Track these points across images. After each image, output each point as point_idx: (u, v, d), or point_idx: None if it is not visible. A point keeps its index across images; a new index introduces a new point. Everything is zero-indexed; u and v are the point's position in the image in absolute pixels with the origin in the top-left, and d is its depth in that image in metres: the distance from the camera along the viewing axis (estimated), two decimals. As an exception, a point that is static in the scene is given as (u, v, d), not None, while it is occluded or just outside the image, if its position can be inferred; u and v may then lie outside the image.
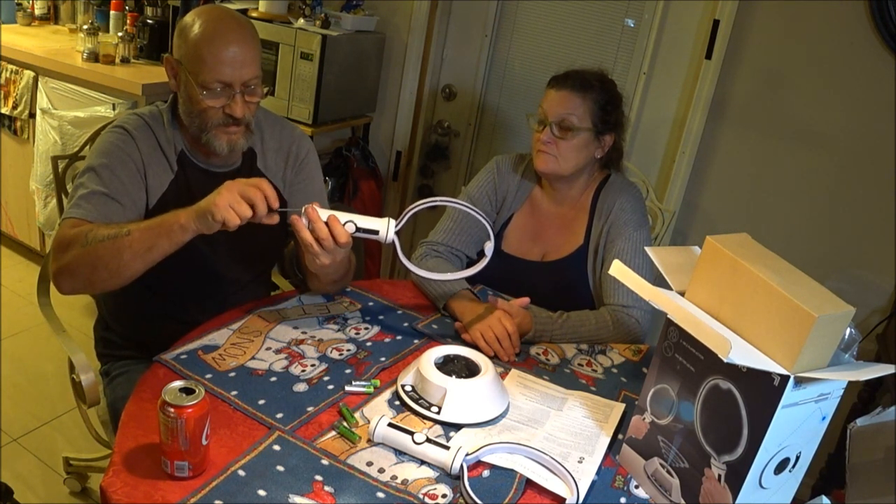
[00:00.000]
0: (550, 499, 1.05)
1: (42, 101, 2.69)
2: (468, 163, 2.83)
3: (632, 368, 1.45)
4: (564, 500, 1.04)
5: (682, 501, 1.03)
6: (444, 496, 1.02)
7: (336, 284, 1.52)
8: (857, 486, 1.03)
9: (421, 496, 1.02)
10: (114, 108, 2.52)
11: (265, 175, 1.53)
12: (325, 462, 1.06)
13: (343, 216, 1.26)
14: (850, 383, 0.92)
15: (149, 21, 2.87)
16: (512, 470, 1.08)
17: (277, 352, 1.31)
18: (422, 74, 2.74)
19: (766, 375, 0.89)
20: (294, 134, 1.60)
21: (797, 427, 0.93)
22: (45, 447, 2.13)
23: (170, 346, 1.29)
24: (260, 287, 1.67)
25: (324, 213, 1.25)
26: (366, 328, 1.44)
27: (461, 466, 1.05)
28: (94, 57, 2.69)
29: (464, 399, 1.18)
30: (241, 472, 1.01)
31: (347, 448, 1.10)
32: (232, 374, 1.23)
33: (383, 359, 1.34)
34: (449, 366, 1.26)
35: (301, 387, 1.22)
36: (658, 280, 1.11)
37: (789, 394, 0.88)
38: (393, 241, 1.28)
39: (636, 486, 1.11)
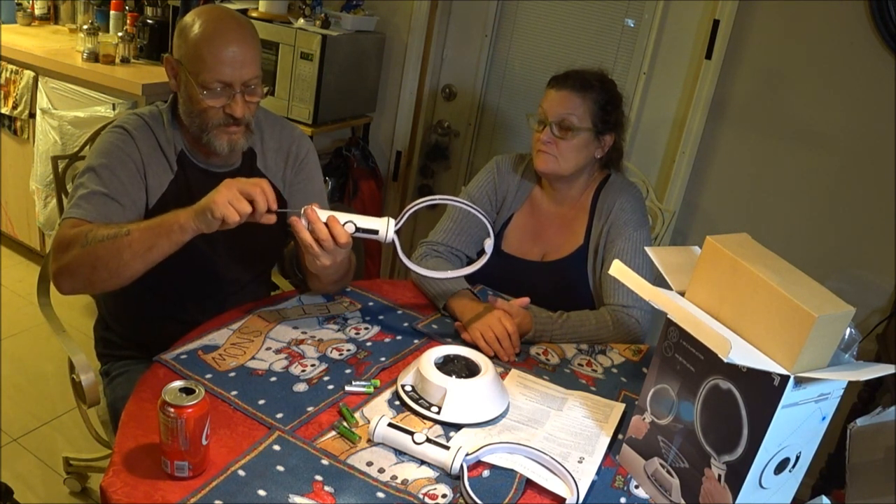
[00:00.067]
0: (550, 499, 1.05)
1: (42, 101, 2.69)
2: (468, 163, 2.83)
3: (632, 368, 1.45)
4: (564, 500, 1.04)
5: (682, 501, 1.03)
6: (444, 496, 1.02)
7: (336, 284, 1.52)
8: (857, 486, 1.03)
9: (421, 496, 1.02)
10: (114, 108, 2.52)
11: (265, 175, 1.53)
12: (325, 462, 1.06)
13: (342, 216, 1.26)
14: (850, 383, 0.92)
15: (149, 21, 2.87)
16: (512, 470, 1.08)
17: (277, 352, 1.31)
18: (422, 74, 2.74)
19: (766, 375, 0.89)
20: (294, 134, 1.60)
21: (797, 427, 0.93)
22: (45, 447, 2.13)
23: (170, 346, 1.29)
24: (260, 287, 1.67)
25: (323, 214, 1.25)
26: (366, 328, 1.44)
27: (461, 466, 1.05)
28: (94, 57, 2.69)
29: (464, 399, 1.18)
30: (241, 472, 1.01)
31: (347, 448, 1.10)
32: (232, 374, 1.23)
33: (383, 359, 1.34)
34: (449, 366, 1.26)
35: (301, 387, 1.22)
36: (658, 280, 1.11)
37: (789, 394, 0.88)
38: (393, 241, 1.28)
39: (636, 486, 1.11)
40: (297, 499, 0.98)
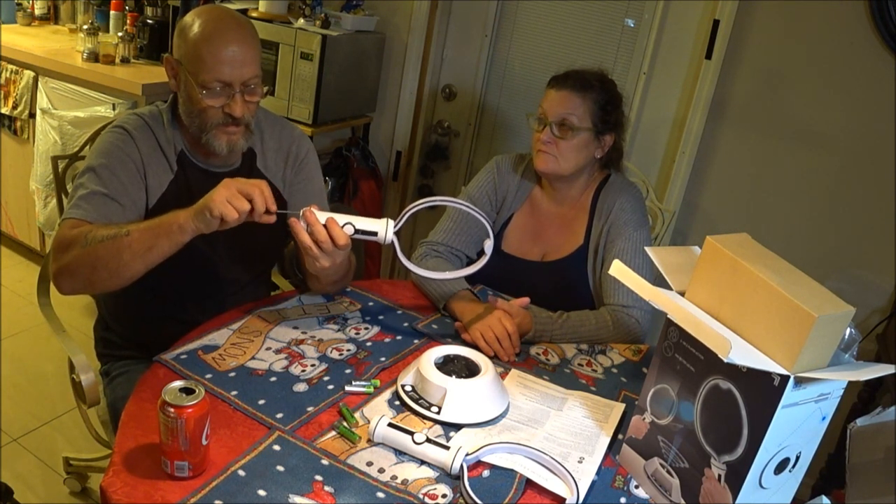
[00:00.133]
0: (550, 499, 1.05)
1: (42, 101, 2.69)
2: (468, 163, 2.83)
3: (632, 368, 1.45)
4: (564, 500, 1.04)
5: (682, 501, 1.03)
6: (444, 496, 1.02)
7: (336, 285, 1.52)
8: (857, 486, 1.03)
9: (421, 496, 1.02)
10: (114, 108, 2.52)
11: (265, 175, 1.53)
12: (325, 462, 1.06)
13: (341, 218, 1.26)
14: (850, 383, 0.92)
15: (149, 21, 2.87)
16: (512, 470, 1.08)
17: (277, 352, 1.31)
18: (422, 74, 2.74)
19: (766, 375, 0.89)
20: (294, 134, 1.60)
21: (797, 427, 0.93)
22: (45, 447, 2.13)
23: (170, 346, 1.29)
24: (260, 287, 1.67)
25: (322, 216, 1.25)
26: (366, 328, 1.44)
27: (461, 466, 1.05)
28: (94, 57, 2.69)
29: (464, 399, 1.18)
30: (241, 472, 1.01)
31: (347, 448, 1.10)
32: (232, 374, 1.23)
33: (383, 359, 1.34)
34: (449, 366, 1.26)
35: (301, 387, 1.22)
36: (658, 280, 1.11)
37: (789, 394, 0.88)
38: (392, 242, 1.28)
39: (636, 486, 1.11)
40: (297, 499, 0.98)
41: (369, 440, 1.11)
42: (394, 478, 1.05)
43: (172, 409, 0.94)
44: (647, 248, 1.19)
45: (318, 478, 1.02)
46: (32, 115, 2.76)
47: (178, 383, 0.98)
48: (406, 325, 1.48)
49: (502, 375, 1.33)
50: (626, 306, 1.54)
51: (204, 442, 0.98)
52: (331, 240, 1.24)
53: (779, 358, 0.90)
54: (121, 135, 1.41)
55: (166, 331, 1.37)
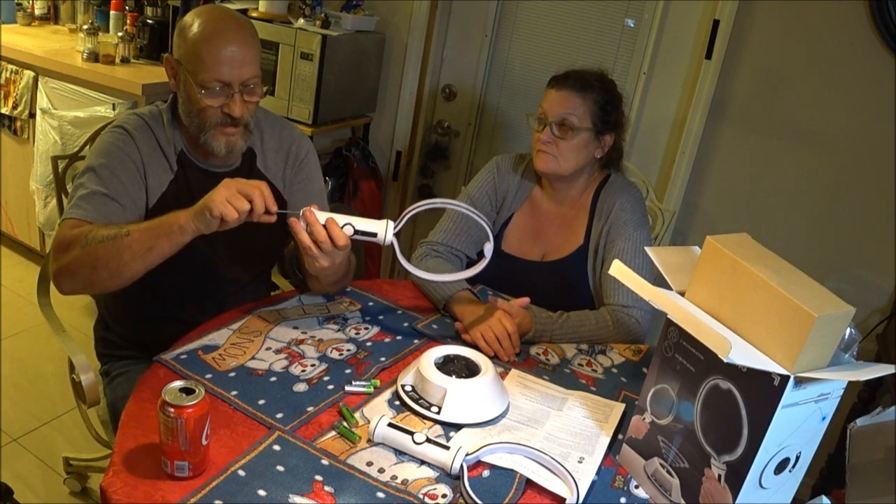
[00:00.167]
0: (550, 499, 1.05)
1: (42, 101, 2.69)
2: (468, 163, 2.83)
3: (632, 368, 1.45)
4: (564, 500, 1.04)
5: (682, 501, 1.03)
6: (444, 496, 1.02)
7: (336, 285, 1.52)
8: (857, 486, 1.03)
9: (421, 496, 1.02)
10: (114, 108, 2.52)
11: (265, 175, 1.53)
12: (325, 462, 1.06)
13: (341, 219, 1.26)
14: (850, 383, 0.92)
15: (149, 21, 2.87)
16: (512, 470, 1.08)
17: (277, 352, 1.31)
18: (422, 74, 2.74)
19: (766, 375, 0.89)
20: (294, 134, 1.60)
21: (797, 427, 0.93)
22: (45, 447, 2.13)
23: (170, 346, 1.29)
24: (260, 287, 1.67)
25: (322, 216, 1.25)
26: (366, 328, 1.44)
27: (461, 466, 1.05)
28: (94, 57, 2.69)
29: (464, 399, 1.18)
30: (241, 472, 1.01)
31: (347, 448, 1.10)
32: (232, 374, 1.23)
33: (383, 359, 1.34)
34: (449, 366, 1.26)
35: (301, 387, 1.22)
36: (658, 280, 1.11)
37: (789, 394, 0.88)
38: (392, 243, 1.28)
39: (636, 486, 1.11)
40: (297, 499, 0.98)
41: (369, 440, 1.11)
42: (394, 478, 1.05)
43: (172, 409, 0.94)
44: (647, 248, 1.19)
45: (318, 478, 1.02)
46: (32, 115, 2.76)
47: (178, 383, 0.98)
48: (406, 325, 1.48)
49: (502, 375, 1.33)
50: (626, 306, 1.54)
51: (204, 442, 0.98)
52: (330, 240, 1.24)
53: (779, 358, 0.90)
54: (121, 135, 1.41)
55: (166, 331, 1.37)
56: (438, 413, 1.18)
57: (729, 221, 2.32)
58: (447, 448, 1.08)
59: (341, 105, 2.62)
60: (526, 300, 1.49)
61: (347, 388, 1.23)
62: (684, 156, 2.32)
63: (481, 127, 2.78)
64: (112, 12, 2.97)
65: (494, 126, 2.75)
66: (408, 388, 1.23)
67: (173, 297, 1.51)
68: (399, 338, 1.43)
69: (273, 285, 1.80)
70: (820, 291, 0.93)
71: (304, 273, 1.48)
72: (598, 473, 1.11)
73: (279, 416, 1.14)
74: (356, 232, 1.27)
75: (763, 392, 0.90)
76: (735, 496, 0.95)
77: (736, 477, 0.94)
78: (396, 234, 1.28)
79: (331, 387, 1.23)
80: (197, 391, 0.97)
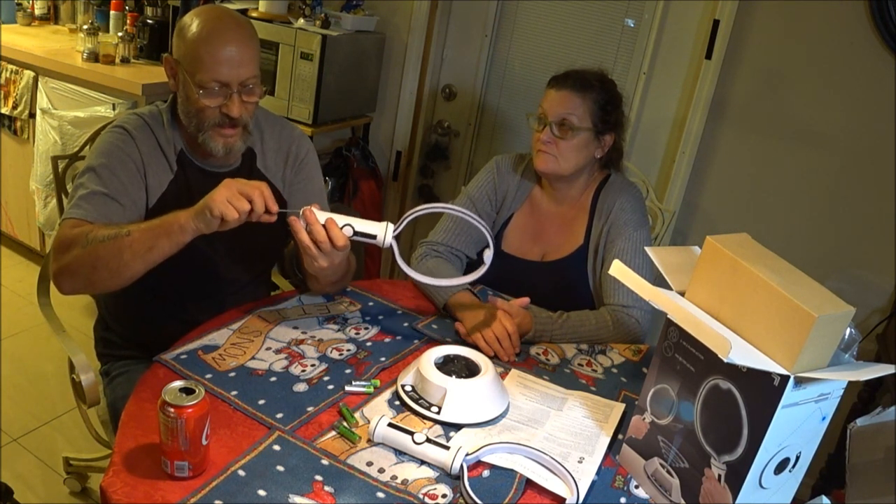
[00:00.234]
0: (550, 499, 1.05)
1: (42, 101, 2.69)
2: (468, 163, 2.83)
3: (632, 368, 1.45)
4: (564, 500, 1.04)
5: (682, 501, 1.03)
6: (444, 496, 1.02)
7: (335, 286, 1.52)
8: (857, 486, 1.03)
9: (421, 496, 1.02)
10: (114, 108, 2.53)
11: (265, 175, 1.53)
12: (325, 462, 1.06)
13: (341, 219, 1.26)
14: (850, 383, 0.92)
15: (149, 21, 2.87)
16: (512, 470, 1.08)
17: (277, 352, 1.31)
18: (422, 74, 2.74)
19: (766, 375, 0.89)
20: (294, 134, 1.60)
21: (797, 427, 0.93)
22: (45, 447, 2.13)
23: (170, 346, 1.29)
24: (260, 287, 1.67)
25: (322, 216, 1.25)
26: (366, 328, 1.44)
27: (461, 466, 1.05)
28: (94, 57, 2.69)
29: (464, 399, 1.18)
30: (241, 472, 1.01)
31: (347, 448, 1.10)
32: (232, 374, 1.23)
33: (383, 359, 1.34)
34: (449, 366, 1.26)
35: (301, 387, 1.22)
36: (658, 280, 1.11)
37: (789, 394, 0.88)
38: (391, 246, 1.28)
39: (636, 486, 1.11)
40: (297, 499, 0.98)
41: (369, 440, 1.11)
42: (394, 478, 1.05)
43: (172, 409, 0.94)
44: (647, 248, 1.19)
45: (318, 478, 1.02)
46: (32, 115, 2.76)
47: (178, 383, 0.98)
48: (406, 325, 1.48)
49: (502, 375, 1.33)
50: (626, 306, 1.54)
51: (204, 442, 0.98)
52: (329, 240, 1.24)
53: (779, 358, 0.90)
54: (121, 135, 1.41)
55: (166, 331, 1.37)
56: (438, 413, 1.18)
57: (729, 221, 2.32)
58: (447, 448, 1.08)
59: (341, 105, 2.62)
60: (526, 300, 1.49)
61: (347, 388, 1.23)
62: (684, 156, 2.32)
63: (481, 127, 2.78)
64: (112, 12, 2.97)
65: (494, 126, 2.75)
66: (408, 388, 1.23)
67: (173, 297, 1.51)
68: (399, 338, 1.43)
69: (273, 285, 1.80)
70: (820, 291, 0.93)
71: (304, 273, 1.48)
72: (598, 473, 1.11)
73: (279, 416, 1.14)
74: (355, 233, 1.27)
75: (763, 392, 0.90)
76: (735, 496, 0.95)
77: (736, 477, 0.94)
78: (396, 237, 1.28)
79: (331, 387, 1.23)
80: (197, 391, 0.97)
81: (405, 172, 2.88)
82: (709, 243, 1.02)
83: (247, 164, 1.52)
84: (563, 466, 1.08)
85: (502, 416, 1.22)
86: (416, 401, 1.20)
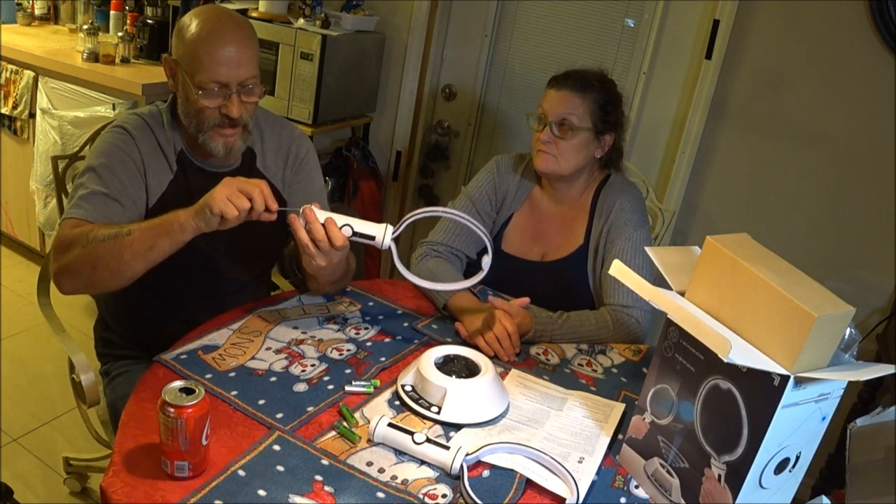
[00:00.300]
0: (550, 499, 1.05)
1: (42, 101, 2.69)
2: (468, 163, 2.83)
3: (632, 368, 1.45)
4: (564, 500, 1.04)
5: (682, 501, 1.03)
6: (444, 496, 1.02)
7: (334, 285, 1.52)
8: (857, 486, 1.03)
9: (421, 496, 1.02)
10: (114, 108, 2.53)
11: (264, 175, 1.53)
12: (325, 462, 1.06)
13: (341, 219, 1.26)
14: (850, 383, 0.92)
15: (149, 21, 2.87)
16: (512, 470, 1.08)
17: (277, 352, 1.31)
18: (422, 74, 2.74)
19: (766, 375, 0.89)
20: (294, 134, 1.60)
21: (797, 427, 0.93)
22: (45, 447, 2.13)
23: (170, 346, 1.29)
24: (260, 287, 1.67)
25: (322, 215, 1.25)
26: (366, 328, 1.44)
27: (461, 466, 1.05)
28: (94, 57, 2.69)
29: (464, 399, 1.18)
30: (241, 472, 1.01)
31: (347, 448, 1.10)
32: (232, 374, 1.23)
33: (383, 359, 1.34)
34: (449, 366, 1.26)
35: (301, 387, 1.22)
36: (658, 280, 1.11)
37: (789, 394, 0.88)
38: (390, 248, 1.28)
39: (636, 486, 1.11)
40: (297, 499, 0.98)
41: (369, 440, 1.11)
42: (394, 478, 1.05)
43: (172, 409, 0.94)
44: (647, 248, 1.19)
45: (318, 478, 1.02)
46: (32, 115, 2.76)
47: (178, 383, 0.98)
48: (406, 325, 1.48)
49: (502, 375, 1.33)
50: (626, 306, 1.54)
51: (204, 442, 0.98)
52: (328, 240, 1.24)
53: (779, 358, 0.90)
54: (121, 134, 1.41)
55: (166, 331, 1.37)
56: (438, 413, 1.18)
57: (729, 221, 2.32)
58: (447, 448, 1.08)
59: (341, 105, 2.62)
60: (526, 300, 1.49)
61: (347, 388, 1.23)
62: (684, 156, 2.32)
63: (481, 127, 2.78)
64: (112, 12, 2.97)
65: (494, 126, 2.75)
66: (408, 388, 1.23)
67: (173, 297, 1.51)
68: (399, 338, 1.43)
69: (273, 285, 1.80)
70: (820, 291, 0.93)
71: (303, 273, 1.48)
72: (598, 473, 1.11)
73: (279, 416, 1.14)
74: (355, 234, 1.27)
75: (763, 392, 0.90)
76: (735, 496, 0.95)
77: (736, 477, 0.94)
78: (395, 239, 1.28)
79: (331, 387, 1.23)
80: (197, 391, 0.97)
81: (405, 172, 2.88)
82: (709, 243, 1.02)
83: (246, 163, 1.52)
84: (563, 466, 1.08)
85: (502, 416, 1.22)
86: (416, 401, 1.20)
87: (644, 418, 1.10)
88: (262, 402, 1.17)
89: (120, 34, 2.81)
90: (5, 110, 2.83)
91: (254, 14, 2.57)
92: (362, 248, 2.76)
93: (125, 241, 1.23)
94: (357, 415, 1.17)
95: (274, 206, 1.22)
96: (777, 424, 0.89)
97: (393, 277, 2.95)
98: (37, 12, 3.24)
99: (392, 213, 2.94)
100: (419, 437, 1.08)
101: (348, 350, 1.35)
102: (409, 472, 1.06)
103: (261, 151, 1.54)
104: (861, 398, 1.98)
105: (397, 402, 1.22)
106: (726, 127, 2.27)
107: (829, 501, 0.94)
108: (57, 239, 1.30)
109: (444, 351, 1.29)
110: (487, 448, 1.10)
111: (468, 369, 1.25)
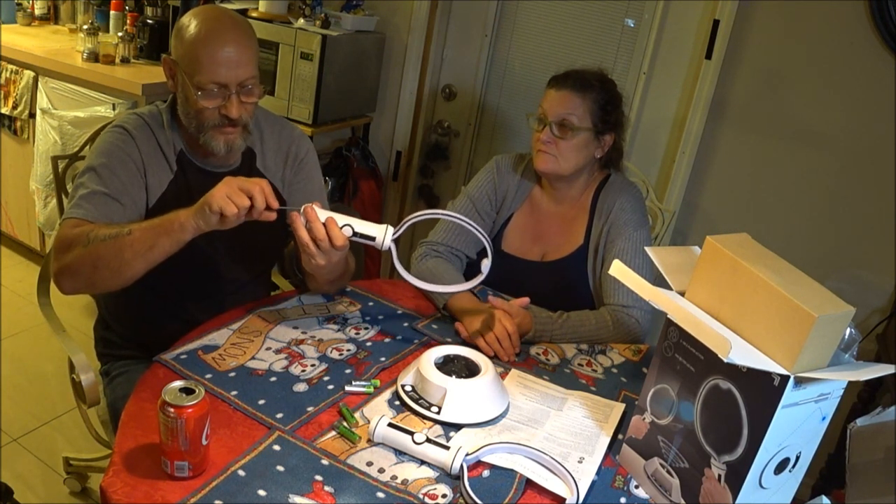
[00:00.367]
0: (550, 499, 1.05)
1: (42, 101, 2.69)
2: (468, 163, 2.83)
3: (632, 368, 1.45)
4: (564, 500, 1.04)
5: (682, 501, 1.03)
6: (444, 496, 1.02)
7: (333, 285, 1.52)
8: (857, 486, 1.03)
9: (421, 496, 1.02)
10: (114, 108, 2.53)
11: (264, 175, 1.53)
12: (325, 462, 1.06)
13: (341, 219, 1.26)
14: (850, 383, 0.92)
15: (149, 21, 2.87)
16: (512, 470, 1.08)
17: (277, 352, 1.31)
18: (422, 74, 2.74)
19: (766, 375, 0.89)
20: (293, 134, 1.60)
21: (797, 427, 0.93)
22: (45, 447, 2.13)
23: (170, 346, 1.29)
24: (260, 287, 1.67)
25: (322, 214, 1.25)
26: (366, 328, 1.44)
27: (461, 466, 1.05)
28: (94, 57, 2.69)
29: (464, 399, 1.18)
30: (241, 472, 1.01)
31: (347, 448, 1.10)
32: (232, 374, 1.23)
33: (383, 359, 1.34)
34: (449, 366, 1.26)
35: (301, 387, 1.22)
36: (658, 280, 1.11)
37: (789, 394, 0.88)
38: (390, 249, 1.28)
39: (636, 486, 1.11)
40: (297, 499, 0.98)
41: (369, 440, 1.11)
42: (394, 478, 1.05)
43: (172, 409, 0.94)
44: (647, 248, 1.19)
45: (318, 478, 1.02)
46: (32, 115, 2.76)
47: (178, 383, 0.98)
48: (406, 325, 1.48)
49: (502, 375, 1.33)
50: (626, 306, 1.54)
51: (204, 442, 0.98)
52: (328, 239, 1.24)
53: (779, 358, 0.90)
54: (121, 134, 1.41)
55: (166, 331, 1.37)
56: (438, 413, 1.18)
57: (729, 221, 2.32)
58: (447, 448, 1.08)
59: (341, 105, 2.62)
60: (526, 300, 1.49)
61: (347, 388, 1.23)
62: (684, 156, 2.32)
63: (481, 127, 2.78)
64: (112, 12, 2.97)
65: (494, 126, 2.75)
66: (408, 388, 1.23)
67: (173, 297, 1.51)
68: (399, 338, 1.43)
69: (273, 285, 1.80)
70: (820, 291, 0.93)
71: (304, 273, 1.48)
72: (598, 473, 1.11)
73: (279, 416, 1.14)
74: (355, 234, 1.27)
75: (763, 392, 0.90)
76: (735, 496, 0.95)
77: (736, 477, 0.94)
78: (395, 240, 1.28)
79: (331, 387, 1.23)
80: (197, 391, 0.97)
81: (405, 172, 2.88)
82: (709, 243, 1.03)
83: (246, 163, 1.52)
84: (563, 466, 1.08)
85: (502, 416, 1.22)
86: (416, 401, 1.20)
87: (644, 418, 1.10)
88: (262, 402, 1.17)
89: (120, 34, 2.81)
90: (5, 110, 2.83)
91: (254, 14, 2.57)
92: (362, 249, 2.76)
93: (126, 240, 1.23)
94: (357, 415, 1.17)
95: (275, 204, 1.22)
96: (777, 424, 0.89)
97: (393, 277, 2.95)
98: (37, 12, 3.24)
99: (392, 214, 2.94)
100: (419, 437, 1.08)
101: (348, 350, 1.35)
102: (409, 472, 1.06)
103: (261, 151, 1.54)
104: (861, 398, 1.98)
105: (397, 402, 1.22)
106: (726, 127, 2.27)
107: (829, 501, 0.94)
108: (57, 239, 1.30)
109: (444, 351, 1.29)
110: (487, 448, 1.10)
111: (468, 369, 1.25)
